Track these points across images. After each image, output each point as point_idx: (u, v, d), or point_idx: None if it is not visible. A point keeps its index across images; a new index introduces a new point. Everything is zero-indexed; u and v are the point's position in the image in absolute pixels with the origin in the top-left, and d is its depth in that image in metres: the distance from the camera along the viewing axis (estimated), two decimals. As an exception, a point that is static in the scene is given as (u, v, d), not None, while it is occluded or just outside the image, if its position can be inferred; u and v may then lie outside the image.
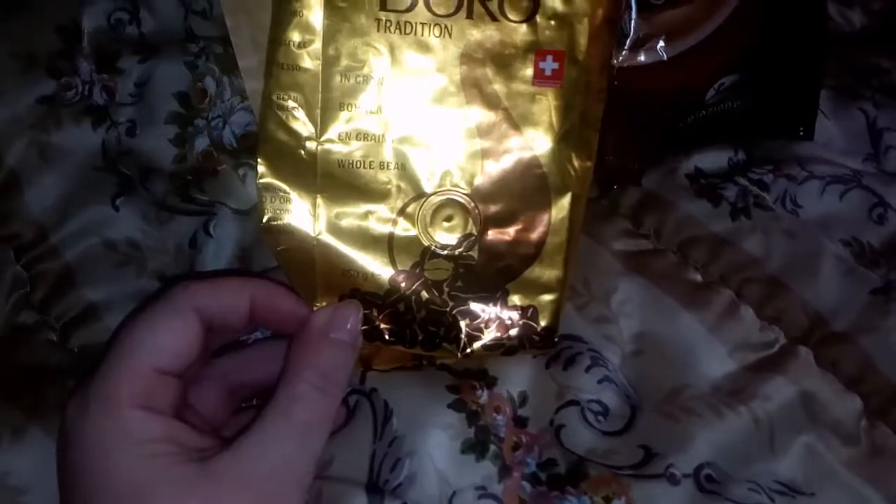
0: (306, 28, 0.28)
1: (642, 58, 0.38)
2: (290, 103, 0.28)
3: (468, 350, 0.31)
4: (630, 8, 0.37)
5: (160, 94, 0.37)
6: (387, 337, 0.30)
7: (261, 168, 0.29)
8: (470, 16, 0.29)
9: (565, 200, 0.32)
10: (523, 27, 0.30)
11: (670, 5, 0.38)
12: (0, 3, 0.36)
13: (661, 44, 0.38)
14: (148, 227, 0.35)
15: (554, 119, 0.31)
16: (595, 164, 0.39)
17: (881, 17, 0.58)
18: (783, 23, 0.40)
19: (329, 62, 0.28)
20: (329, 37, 0.28)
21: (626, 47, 0.37)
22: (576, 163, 0.32)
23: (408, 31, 0.29)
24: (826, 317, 0.37)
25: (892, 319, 0.37)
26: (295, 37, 0.28)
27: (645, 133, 0.41)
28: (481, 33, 0.29)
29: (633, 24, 0.37)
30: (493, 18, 0.29)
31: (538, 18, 0.30)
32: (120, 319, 0.32)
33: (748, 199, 0.41)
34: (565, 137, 0.31)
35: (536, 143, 0.31)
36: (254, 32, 0.32)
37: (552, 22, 0.30)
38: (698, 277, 0.39)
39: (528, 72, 0.30)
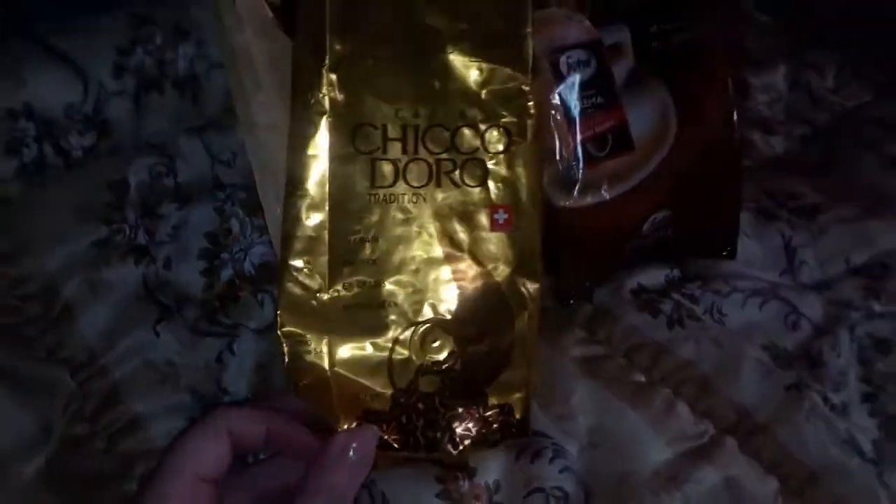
0: (313, 206, 0.36)
1: (589, 199, 0.46)
2: (303, 265, 0.36)
3: (461, 447, 0.38)
4: (578, 159, 0.46)
5: (193, 234, 0.45)
6: (395, 446, 0.37)
7: (280, 319, 0.35)
8: (439, 185, 0.37)
9: (524, 316, 0.39)
10: (479, 190, 0.38)
11: (611, 156, 0.47)
12: (63, 162, 0.44)
13: (605, 187, 0.46)
14: (182, 348, 0.42)
15: (509, 255, 0.39)
16: (555, 284, 0.48)
17: (801, 142, 0.67)
18: (705, 164, 0.49)
19: (334, 231, 0.36)
20: (333, 213, 0.36)
21: (575, 191, 0.46)
22: (529, 286, 0.39)
23: (392, 200, 0.37)
24: (749, 411, 0.44)
25: (803, 412, 0.44)
26: (303, 214, 0.36)
27: (594, 258, 0.48)
28: (448, 197, 0.38)
29: (581, 173, 0.46)
30: (456, 185, 0.38)
31: (490, 183, 0.38)
32: (160, 429, 0.39)
33: (682, 311, 0.49)
34: (519, 268, 0.39)
35: (497, 274, 0.38)
36: (277, 189, 0.40)
37: (500, 184, 0.38)
38: (642, 379, 0.46)
39: (486, 222, 0.38)
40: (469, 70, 0.38)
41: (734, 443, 0.43)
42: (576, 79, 0.46)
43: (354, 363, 0.36)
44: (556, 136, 0.45)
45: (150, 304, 0.43)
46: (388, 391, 0.36)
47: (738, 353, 0.47)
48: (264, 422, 0.34)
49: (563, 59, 0.45)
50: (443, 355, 0.37)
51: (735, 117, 0.47)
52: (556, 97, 0.45)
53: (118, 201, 0.44)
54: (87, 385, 0.41)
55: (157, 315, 0.43)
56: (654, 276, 0.51)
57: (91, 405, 0.40)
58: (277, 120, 0.38)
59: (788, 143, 0.66)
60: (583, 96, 0.46)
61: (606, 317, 0.49)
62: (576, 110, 0.46)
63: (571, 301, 0.50)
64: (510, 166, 0.38)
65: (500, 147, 0.38)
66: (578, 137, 0.46)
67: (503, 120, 0.38)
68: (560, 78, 0.45)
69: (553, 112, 0.45)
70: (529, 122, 0.39)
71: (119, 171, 0.44)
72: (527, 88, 0.39)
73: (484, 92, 0.38)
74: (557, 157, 0.45)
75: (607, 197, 0.46)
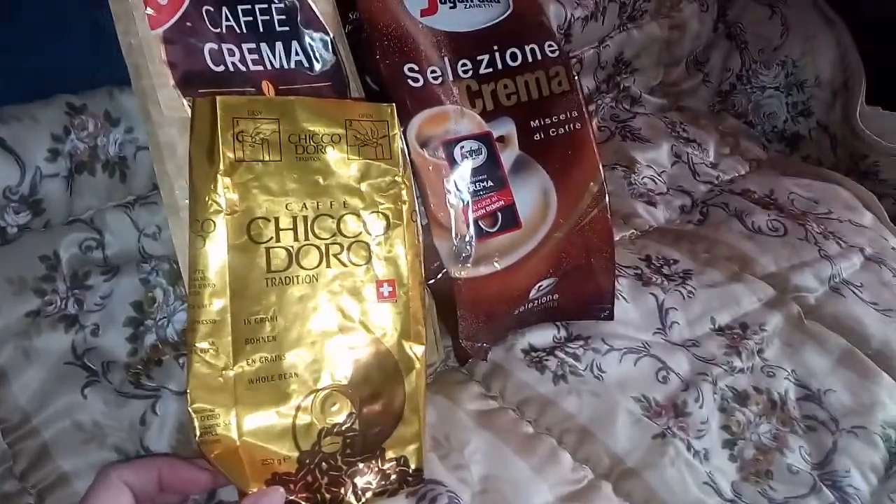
0: (215, 293, 0.40)
1: (482, 270, 0.52)
2: (208, 346, 0.39)
3: (363, 499, 0.42)
4: (471, 235, 0.52)
5: (119, 303, 0.49)
6: None
7: (190, 396, 0.39)
8: (329, 265, 0.42)
9: (413, 376, 0.43)
10: (365, 268, 0.43)
11: (501, 231, 0.53)
12: (-2, 239, 0.47)
13: (496, 259, 0.53)
14: (108, 409, 0.46)
15: (395, 323, 0.43)
16: (454, 345, 0.53)
17: (680, 211, 0.75)
18: (583, 237, 0.55)
19: (235, 314, 0.40)
20: (234, 296, 0.40)
21: (469, 263, 0.52)
22: (415, 349, 0.44)
23: (287, 282, 0.41)
24: (622, 457, 0.51)
25: (667, 458, 0.50)
26: (206, 301, 0.39)
27: (488, 321, 0.54)
28: (338, 275, 0.42)
29: (474, 247, 0.52)
30: (344, 265, 0.43)
31: (374, 261, 0.43)
32: (85, 485, 0.42)
33: (566, 368, 0.55)
34: (405, 333, 0.43)
35: (386, 340, 0.43)
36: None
37: (383, 262, 0.43)
38: (531, 430, 0.52)
39: (373, 295, 0.43)
40: (348, 166, 0.43)
41: (609, 486, 0.49)
42: (469, 165, 0.52)
43: (261, 431, 0.40)
44: (452, 216, 0.52)
45: (78, 369, 0.47)
46: (294, 454, 0.40)
47: (613, 405, 0.53)
48: (154, 468, 0.37)
49: (457, 148, 0.52)
50: (342, 417, 0.41)
51: (607, 199, 0.55)
52: (452, 182, 0.52)
53: (50, 274, 0.48)
54: (17, 445, 0.44)
55: (85, 379, 0.46)
56: (542, 337, 0.57)
57: (21, 464, 0.44)
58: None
59: (669, 213, 0.73)
60: (475, 180, 0.52)
61: (500, 373, 0.55)
62: (469, 192, 0.52)
63: (469, 360, 0.55)
64: (391, 246, 0.44)
65: (381, 230, 0.44)
66: (471, 216, 0.52)
67: (381, 207, 0.44)
68: (454, 165, 0.52)
69: (448, 195, 0.51)
70: (404, 207, 0.44)
71: (51, 245, 0.48)
72: (399, 179, 0.45)
73: (363, 185, 0.44)
74: (453, 234, 0.52)
75: (498, 267, 0.53)
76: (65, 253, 0.49)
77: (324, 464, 0.41)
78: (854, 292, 0.65)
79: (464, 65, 0.53)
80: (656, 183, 0.76)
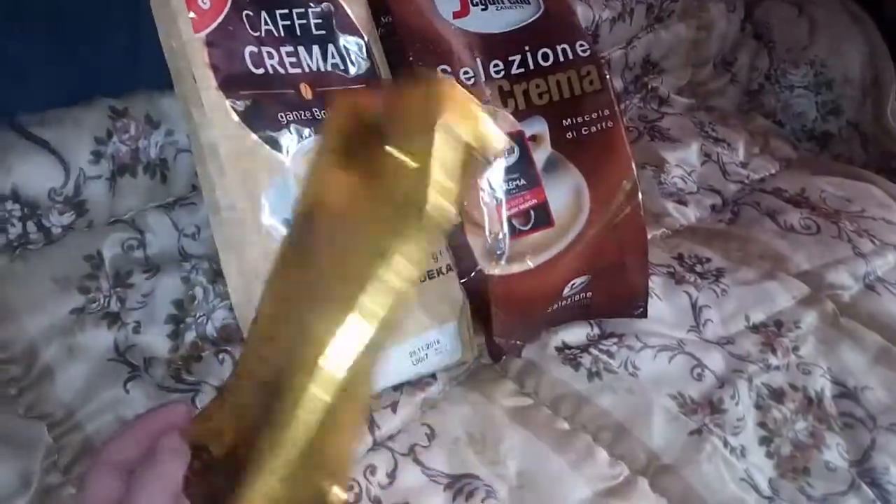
0: None
1: (516, 267, 0.53)
2: None
3: None
4: (505, 233, 0.52)
5: (161, 301, 0.50)
6: None
7: None
8: None
9: None
10: None
11: (534, 229, 0.53)
12: (44, 238, 0.49)
13: (529, 257, 0.53)
14: (150, 403, 0.46)
15: None
16: (488, 343, 0.53)
17: (711, 210, 0.75)
18: (616, 235, 0.55)
19: None
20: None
21: (503, 261, 0.52)
22: None
23: None
24: (658, 453, 0.50)
25: (703, 454, 0.50)
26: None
27: (522, 319, 0.55)
28: None
29: (507, 245, 0.52)
30: None
31: None
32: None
33: (600, 365, 0.55)
34: None
35: None
36: (238, 262, 0.45)
37: None
38: (566, 426, 0.52)
39: None
40: None
41: (646, 482, 0.49)
42: (502, 164, 0.53)
43: None
44: (486, 214, 0.52)
45: (120, 365, 0.48)
46: None
47: (648, 402, 0.53)
48: (135, 429, 0.33)
49: (490, 146, 0.52)
50: None
51: (640, 197, 0.55)
52: (485, 181, 0.52)
53: (93, 272, 0.49)
54: (62, 439, 0.45)
55: (127, 374, 0.47)
56: (575, 335, 0.57)
57: (66, 458, 0.44)
58: (236, 203, 0.44)
59: (699, 212, 0.73)
60: (508, 179, 0.53)
61: (534, 370, 0.55)
62: (502, 191, 0.52)
63: (503, 357, 0.56)
64: None
65: None
66: (505, 214, 0.52)
67: None
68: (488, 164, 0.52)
69: (482, 193, 0.52)
70: None
71: (94, 245, 0.49)
72: None
73: None
74: (487, 232, 0.52)
75: (531, 265, 0.53)
76: (108, 252, 0.50)
77: None
78: (889, 290, 0.64)
79: (496, 65, 0.54)
80: (686, 182, 0.76)
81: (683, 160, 0.78)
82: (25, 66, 0.49)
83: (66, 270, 0.48)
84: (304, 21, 0.50)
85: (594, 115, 0.54)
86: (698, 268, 0.65)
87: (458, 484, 0.46)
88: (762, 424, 0.54)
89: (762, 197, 0.75)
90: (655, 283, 0.61)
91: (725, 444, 0.51)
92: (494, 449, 0.49)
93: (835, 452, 0.52)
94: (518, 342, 0.56)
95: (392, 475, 0.46)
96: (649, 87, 0.85)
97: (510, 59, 0.54)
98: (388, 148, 0.30)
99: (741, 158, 0.82)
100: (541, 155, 0.54)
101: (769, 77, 0.91)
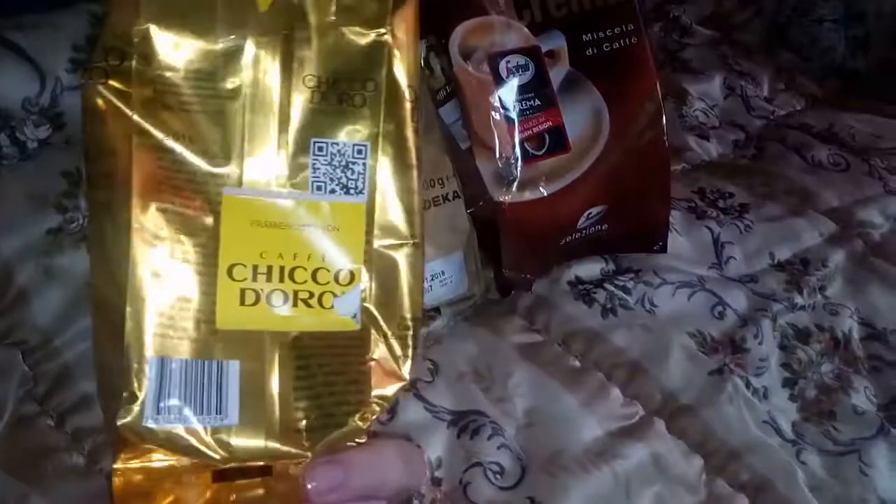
0: None
1: (527, 195, 0.49)
2: None
3: None
4: (517, 157, 0.48)
5: (145, 223, 0.46)
6: None
7: None
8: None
9: None
10: None
11: (549, 154, 0.49)
12: (18, 153, 0.45)
13: (542, 184, 0.49)
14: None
15: None
16: (496, 275, 0.50)
17: (734, 146, 0.71)
18: (637, 163, 0.51)
19: None
20: None
21: (514, 187, 0.48)
22: None
23: None
24: (675, 394, 0.47)
25: (724, 395, 0.47)
26: None
27: (533, 251, 0.51)
28: None
29: (519, 170, 0.48)
30: None
31: None
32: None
33: (615, 301, 0.51)
34: None
35: None
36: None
37: None
38: (577, 364, 0.49)
39: None
40: None
41: (662, 423, 0.46)
42: (515, 82, 0.48)
43: None
44: (496, 136, 0.48)
45: (102, 290, 0.44)
46: None
47: (666, 340, 0.50)
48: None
49: (502, 63, 0.48)
50: None
51: (664, 121, 0.51)
52: (497, 99, 0.48)
53: (71, 190, 0.45)
54: (38, 367, 0.42)
55: (109, 300, 0.44)
56: (589, 269, 0.54)
57: (42, 387, 0.42)
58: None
59: (722, 147, 0.69)
60: (521, 98, 0.49)
61: (545, 306, 0.51)
62: (515, 111, 0.48)
63: (512, 291, 0.52)
64: None
65: None
66: (517, 137, 0.48)
67: None
68: (500, 81, 0.48)
69: (493, 113, 0.48)
70: None
71: (73, 161, 0.45)
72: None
73: None
74: (497, 156, 0.48)
75: (545, 193, 0.49)
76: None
77: None
78: (922, 229, 0.61)
79: (511, -28, 0.49)
80: (708, 116, 0.71)
81: (706, 93, 0.73)
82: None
83: (42, 188, 0.45)
84: None
85: (617, 30, 0.50)
86: (720, 203, 0.61)
87: (463, 421, 0.43)
88: (786, 366, 0.50)
89: (788, 132, 0.71)
90: (675, 217, 0.58)
91: (748, 384, 0.48)
92: (502, 385, 0.46)
93: (862, 396, 0.49)
94: (528, 276, 0.52)
95: (393, 411, 0.43)
96: (671, 15, 0.80)
97: (527, -34, 0.50)
98: None
99: (766, 94, 0.78)
100: (558, 73, 0.49)
101: (796, 9, 0.86)
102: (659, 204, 0.53)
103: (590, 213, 0.51)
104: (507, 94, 0.48)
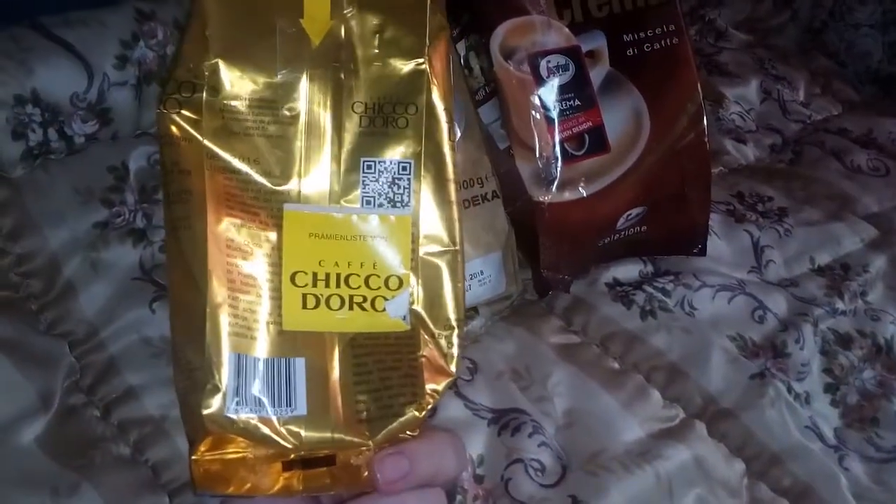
0: None
1: (567, 195, 0.49)
2: None
3: None
4: (557, 157, 0.48)
5: (188, 219, 0.47)
6: None
7: None
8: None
9: None
10: None
11: (588, 155, 0.49)
12: (66, 147, 0.46)
13: (582, 184, 0.49)
14: (177, 325, 0.44)
15: None
16: (534, 276, 0.50)
17: (771, 150, 0.71)
18: (677, 165, 0.51)
19: None
20: None
21: (553, 187, 0.48)
22: None
23: None
24: (716, 397, 0.47)
25: (766, 399, 0.47)
26: None
27: (571, 251, 0.51)
28: None
29: (559, 170, 0.48)
30: None
31: None
32: (154, 400, 0.41)
33: (654, 303, 0.51)
34: None
35: None
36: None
37: None
38: (616, 365, 0.48)
39: None
40: None
41: (703, 426, 0.46)
42: (555, 82, 0.48)
43: None
44: (536, 135, 0.48)
45: (147, 284, 0.45)
46: None
47: (706, 343, 0.49)
48: None
49: (543, 62, 0.48)
50: None
51: (705, 122, 0.50)
52: (537, 98, 0.48)
53: (118, 185, 0.46)
54: (84, 358, 0.42)
55: (153, 294, 0.44)
56: (628, 271, 0.53)
57: (88, 378, 0.42)
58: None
59: (759, 151, 0.69)
60: (562, 98, 0.48)
61: (583, 307, 0.51)
62: (555, 111, 0.48)
63: (550, 292, 0.52)
64: None
65: None
66: (557, 137, 0.48)
67: None
68: (540, 80, 0.48)
69: (533, 112, 0.48)
70: None
71: (119, 156, 0.46)
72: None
73: None
74: (537, 155, 0.48)
75: (584, 194, 0.49)
76: (133, 165, 0.47)
77: None
78: (965, 235, 0.60)
79: (552, -28, 0.49)
80: (745, 120, 0.71)
81: (742, 97, 0.73)
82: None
83: (89, 182, 0.45)
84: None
85: (658, 31, 0.50)
86: (759, 206, 0.61)
87: (504, 419, 0.43)
88: (828, 371, 0.50)
89: (826, 137, 0.70)
90: (714, 220, 0.57)
91: (789, 389, 0.48)
92: (541, 385, 0.46)
93: (906, 403, 0.49)
94: (566, 277, 0.52)
95: (434, 408, 0.43)
96: (706, 18, 0.79)
97: (568, -34, 0.50)
98: None
99: (802, 98, 0.77)
100: (598, 73, 0.49)
101: (833, 14, 0.85)
102: (699, 206, 0.53)
103: (629, 215, 0.51)
104: (548, 93, 0.48)
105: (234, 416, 0.28)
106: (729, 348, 0.49)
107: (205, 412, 0.28)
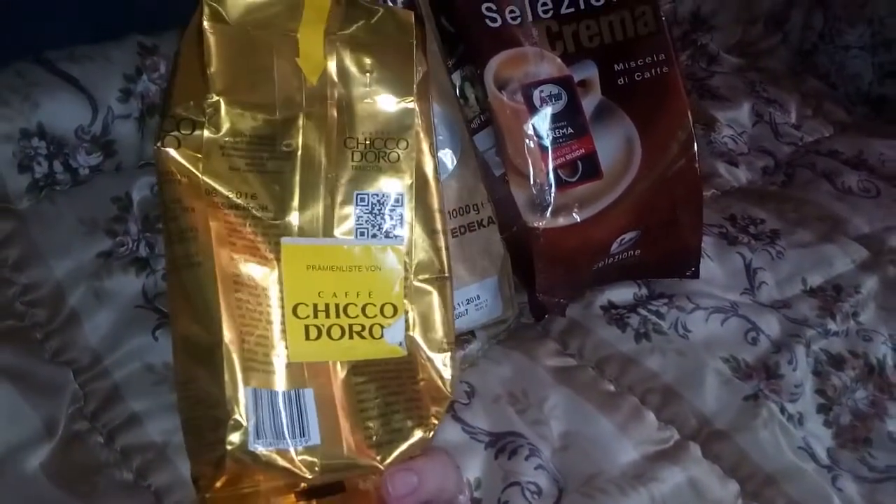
0: None
1: (561, 221, 0.50)
2: None
3: None
4: (550, 184, 0.49)
5: (190, 248, 0.48)
6: None
7: None
8: None
9: None
10: None
11: (581, 181, 0.50)
12: (71, 179, 0.47)
13: (576, 210, 0.50)
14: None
15: None
16: (530, 300, 0.51)
17: (763, 172, 0.72)
18: (669, 190, 0.52)
19: None
20: None
21: (548, 213, 0.49)
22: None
23: None
24: (710, 418, 0.48)
25: (759, 420, 0.47)
26: None
27: (566, 276, 0.52)
28: None
29: (553, 196, 0.49)
30: None
31: None
32: (157, 426, 0.42)
33: (648, 326, 0.52)
34: None
35: None
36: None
37: None
38: (611, 388, 0.49)
39: None
40: None
41: (697, 448, 0.46)
42: (548, 111, 0.50)
43: None
44: (530, 163, 0.49)
45: (149, 312, 0.46)
46: None
47: (700, 364, 0.50)
48: None
49: (536, 92, 0.49)
50: None
51: (695, 148, 0.51)
52: (531, 127, 0.49)
53: (122, 215, 0.47)
54: (88, 386, 0.43)
55: (156, 321, 0.45)
56: (622, 294, 0.54)
57: (92, 405, 0.43)
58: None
59: (751, 174, 0.70)
60: (555, 127, 0.50)
61: (578, 330, 0.52)
62: (548, 139, 0.49)
63: (545, 315, 0.53)
64: None
65: None
66: (551, 164, 0.49)
67: None
68: (533, 109, 0.49)
69: (527, 140, 0.49)
70: None
71: (123, 187, 0.47)
72: None
73: None
74: (531, 182, 0.49)
75: (578, 219, 0.50)
76: (137, 195, 0.48)
77: None
78: (955, 256, 0.61)
79: (544, 4, 0.51)
80: (737, 143, 0.72)
81: (734, 120, 0.74)
82: (54, 1, 0.47)
83: (94, 212, 0.46)
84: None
85: (648, 60, 0.51)
86: (752, 229, 0.62)
87: (501, 442, 0.44)
88: (820, 391, 0.51)
89: (817, 159, 0.71)
90: (707, 243, 0.58)
91: (782, 410, 0.48)
92: (537, 408, 0.47)
93: (898, 423, 0.49)
94: (562, 300, 0.53)
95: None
96: (698, 43, 0.81)
97: (559, -3, 0.51)
98: None
99: (793, 120, 0.78)
100: (590, 102, 0.51)
101: (823, 36, 0.87)
102: (691, 230, 0.54)
103: (622, 239, 0.52)
104: (541, 122, 0.49)
105: (256, 451, 0.29)
106: (722, 370, 0.50)
107: (229, 448, 0.28)
